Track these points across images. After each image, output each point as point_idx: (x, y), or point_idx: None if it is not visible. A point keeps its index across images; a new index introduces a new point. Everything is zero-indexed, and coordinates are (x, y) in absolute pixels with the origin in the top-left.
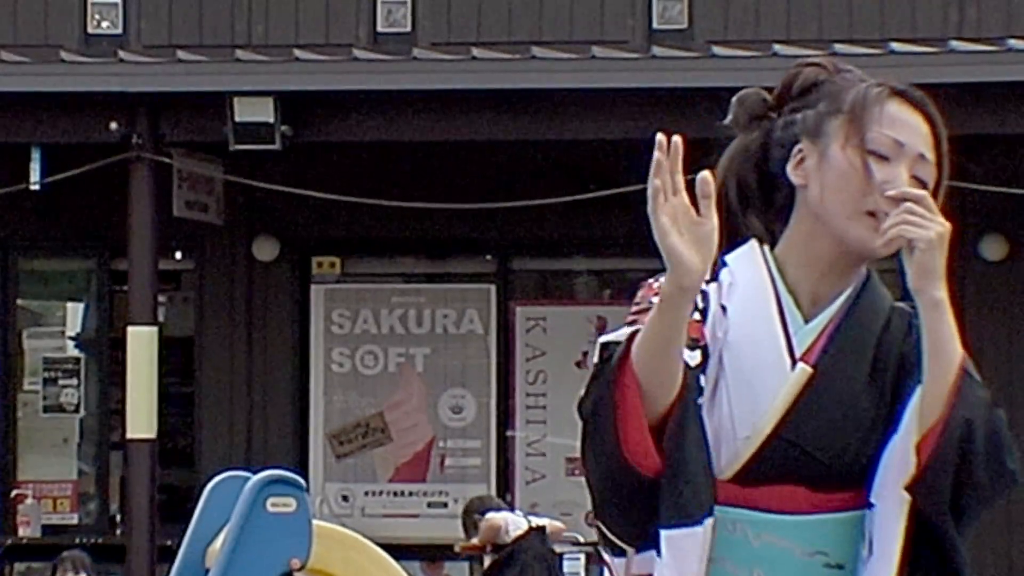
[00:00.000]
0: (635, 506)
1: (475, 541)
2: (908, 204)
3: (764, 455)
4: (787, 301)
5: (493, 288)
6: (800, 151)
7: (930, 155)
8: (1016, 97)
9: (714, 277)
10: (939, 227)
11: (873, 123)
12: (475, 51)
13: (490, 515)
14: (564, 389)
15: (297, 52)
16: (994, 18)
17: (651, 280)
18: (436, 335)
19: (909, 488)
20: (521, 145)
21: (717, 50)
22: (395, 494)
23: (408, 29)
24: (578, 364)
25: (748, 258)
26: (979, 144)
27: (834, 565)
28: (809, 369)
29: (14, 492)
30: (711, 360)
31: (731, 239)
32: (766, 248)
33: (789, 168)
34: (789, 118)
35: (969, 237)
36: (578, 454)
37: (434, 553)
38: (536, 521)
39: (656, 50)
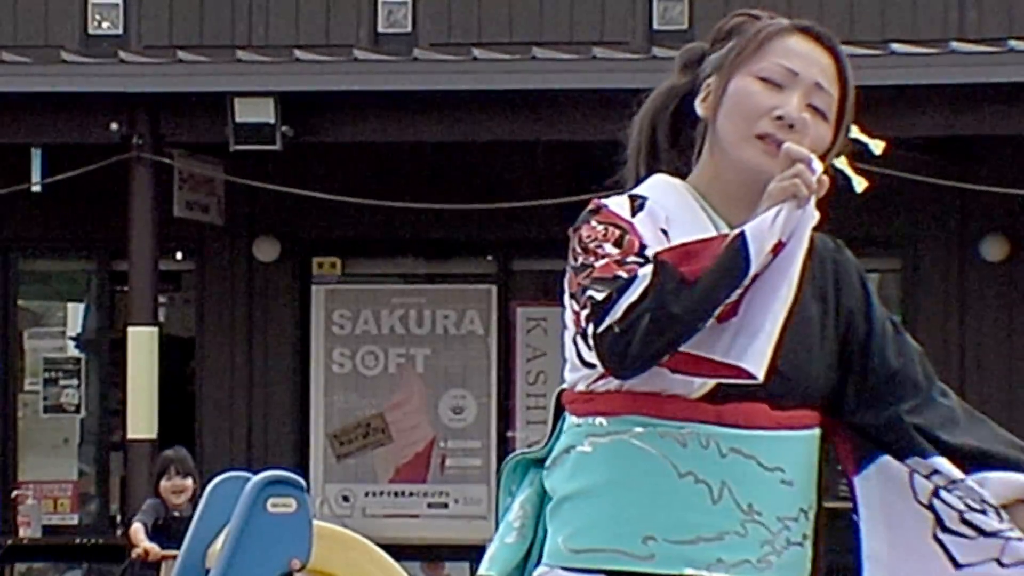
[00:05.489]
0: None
1: None
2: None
3: None
4: (725, 231)
5: (494, 289)
6: (708, 85)
7: (829, 87)
8: (1017, 98)
9: (640, 208)
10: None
11: (769, 54)
12: (476, 52)
13: None
14: None
15: (298, 52)
16: (994, 19)
17: (604, 212)
18: (437, 336)
19: None
20: (522, 145)
21: None
22: (395, 494)
23: (408, 29)
24: None
25: (670, 192)
26: (980, 145)
27: (787, 481)
28: None
29: (15, 492)
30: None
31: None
32: (687, 183)
33: (697, 102)
34: (709, 59)
35: (970, 237)
36: None
37: (434, 553)
38: None
39: (657, 51)
